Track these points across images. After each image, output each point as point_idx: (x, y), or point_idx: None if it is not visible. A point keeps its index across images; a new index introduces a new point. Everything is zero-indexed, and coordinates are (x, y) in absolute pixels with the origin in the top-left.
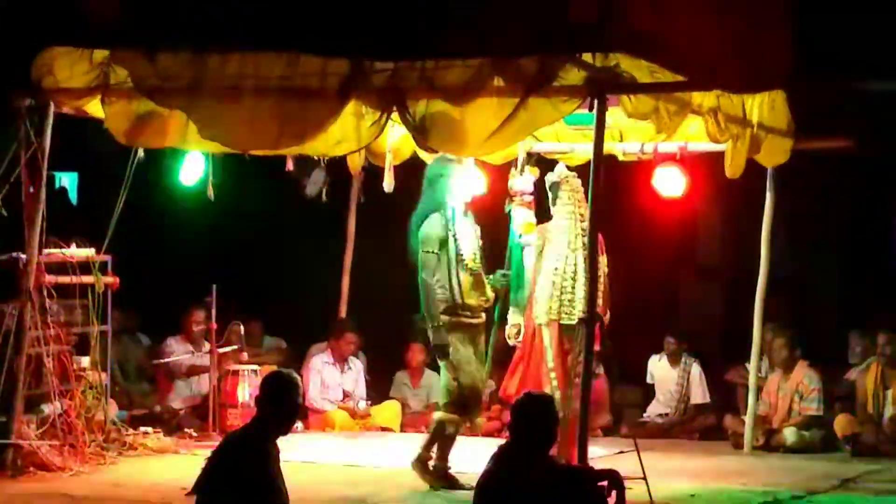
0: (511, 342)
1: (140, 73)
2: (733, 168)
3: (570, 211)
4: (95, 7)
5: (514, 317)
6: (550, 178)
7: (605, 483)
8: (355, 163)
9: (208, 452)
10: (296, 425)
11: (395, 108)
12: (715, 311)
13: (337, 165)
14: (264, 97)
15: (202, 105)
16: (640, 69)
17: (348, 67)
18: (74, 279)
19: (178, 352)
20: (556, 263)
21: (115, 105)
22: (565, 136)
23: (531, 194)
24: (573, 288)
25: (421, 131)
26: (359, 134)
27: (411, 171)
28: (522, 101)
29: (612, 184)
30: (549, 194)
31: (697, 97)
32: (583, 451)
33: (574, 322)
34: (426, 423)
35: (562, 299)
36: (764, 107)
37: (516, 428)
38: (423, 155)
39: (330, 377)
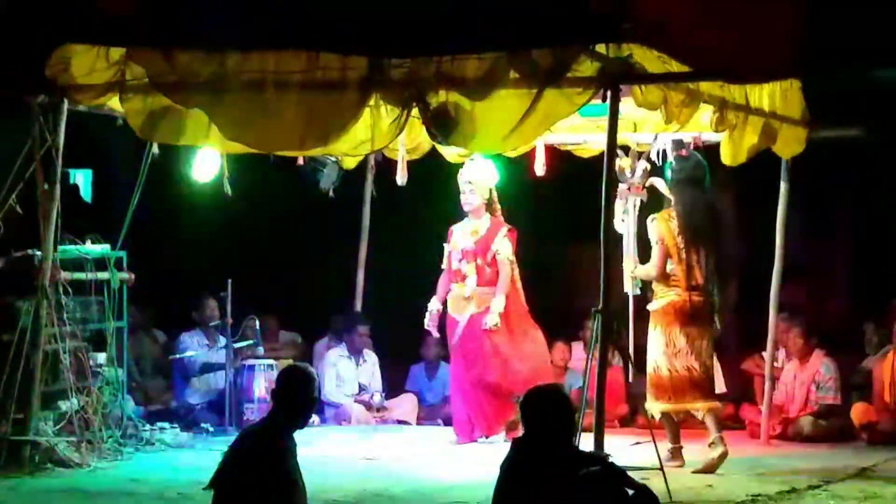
0: (427, 326)
1: (157, 71)
2: (732, 156)
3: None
4: (111, 4)
5: (433, 303)
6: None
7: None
8: (351, 161)
9: (225, 447)
10: (312, 419)
11: (414, 105)
12: (730, 300)
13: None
14: (286, 97)
15: (224, 105)
16: (650, 60)
17: (366, 65)
18: (90, 276)
19: (193, 347)
20: None
21: (133, 101)
22: (579, 127)
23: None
24: None
25: (441, 129)
26: (380, 133)
27: (423, 166)
28: (539, 94)
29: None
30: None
31: (705, 87)
32: (599, 441)
33: None
34: (442, 416)
35: None
36: (776, 96)
37: (528, 424)
38: (440, 149)
39: (345, 371)
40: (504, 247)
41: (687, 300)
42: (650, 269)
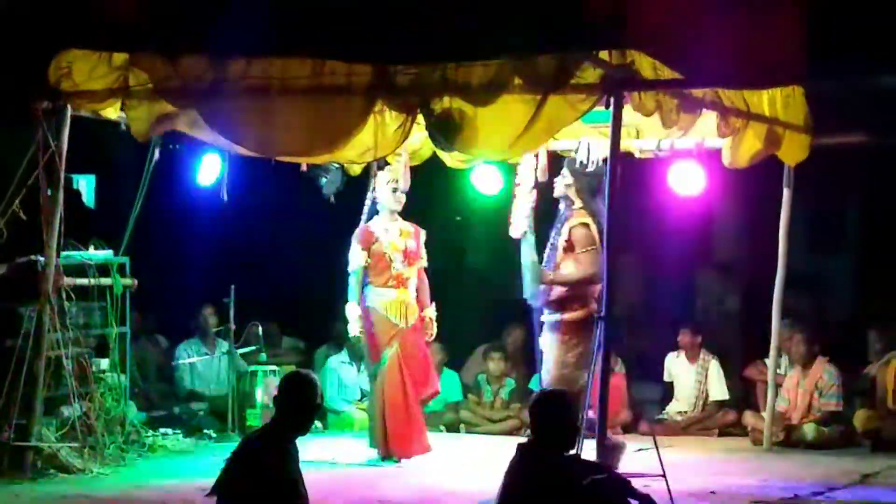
0: (354, 332)
1: (160, 77)
2: (734, 158)
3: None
4: (114, 10)
5: (356, 309)
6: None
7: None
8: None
9: (227, 453)
10: (314, 425)
11: (418, 112)
12: (733, 307)
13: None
14: (291, 103)
15: (226, 110)
16: (645, 67)
17: (372, 72)
18: (93, 281)
19: (190, 357)
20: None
21: (137, 108)
22: (582, 133)
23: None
24: None
25: (445, 134)
26: (385, 140)
27: (425, 171)
28: (542, 101)
29: (628, 181)
30: (391, 190)
31: (699, 93)
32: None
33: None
34: (444, 422)
35: None
36: (777, 102)
37: (533, 427)
38: (441, 154)
39: (347, 377)
40: (425, 253)
41: (592, 311)
42: (584, 273)
